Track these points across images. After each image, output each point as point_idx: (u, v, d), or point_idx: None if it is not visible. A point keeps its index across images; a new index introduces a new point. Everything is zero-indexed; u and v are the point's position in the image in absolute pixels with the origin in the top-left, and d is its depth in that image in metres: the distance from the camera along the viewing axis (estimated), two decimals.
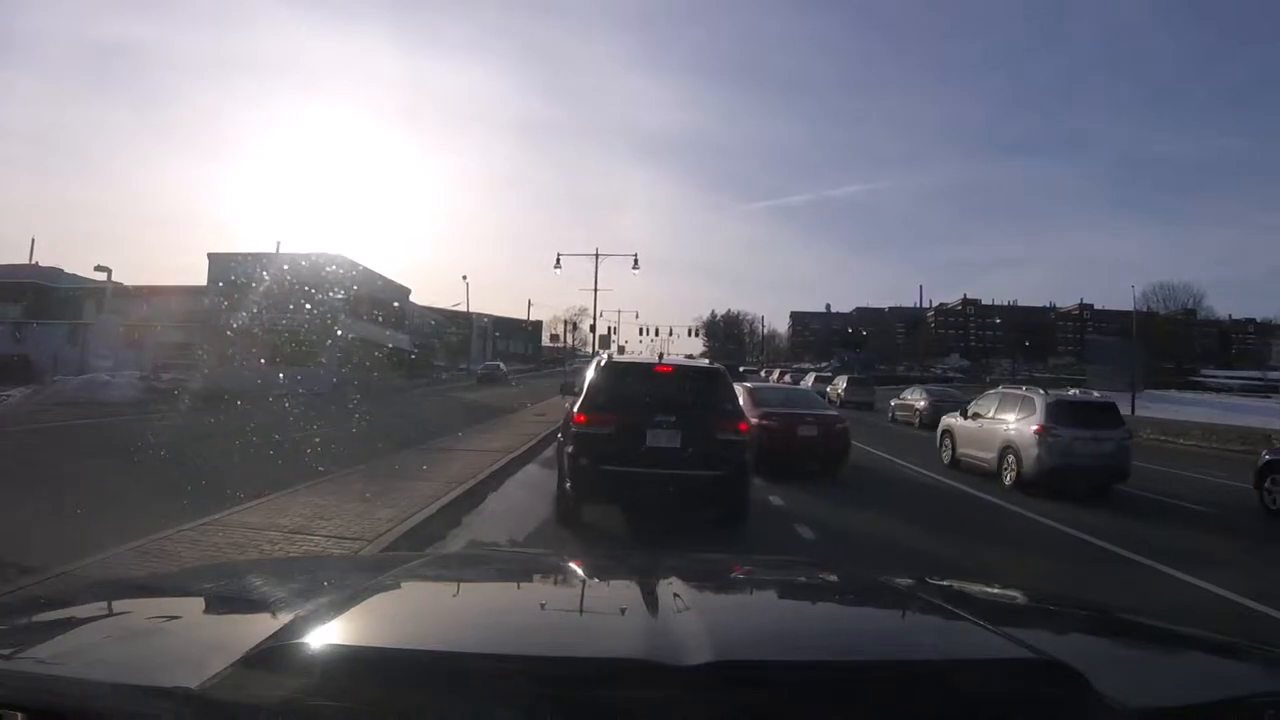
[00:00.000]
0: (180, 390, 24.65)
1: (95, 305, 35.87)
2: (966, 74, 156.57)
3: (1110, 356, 36.68)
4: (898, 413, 24.75)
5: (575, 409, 7.19)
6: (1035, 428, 10.88)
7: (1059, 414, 11.00)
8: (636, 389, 7.22)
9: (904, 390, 27.13)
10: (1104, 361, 35.78)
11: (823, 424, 11.86)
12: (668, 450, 6.72)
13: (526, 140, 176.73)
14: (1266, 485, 10.19)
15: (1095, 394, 14.70)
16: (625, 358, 10.39)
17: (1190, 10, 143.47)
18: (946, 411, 15.35)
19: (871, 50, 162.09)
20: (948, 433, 13.58)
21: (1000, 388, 13.99)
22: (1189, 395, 41.76)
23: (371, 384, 29.07)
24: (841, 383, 34.45)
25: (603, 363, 7.88)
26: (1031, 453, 10.76)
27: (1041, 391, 12.11)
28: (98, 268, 29.98)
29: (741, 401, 8.17)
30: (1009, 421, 11.60)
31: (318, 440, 12.00)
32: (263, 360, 27.97)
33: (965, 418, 13.19)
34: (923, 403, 22.89)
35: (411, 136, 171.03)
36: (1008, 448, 11.31)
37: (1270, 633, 5.11)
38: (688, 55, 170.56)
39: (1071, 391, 15.98)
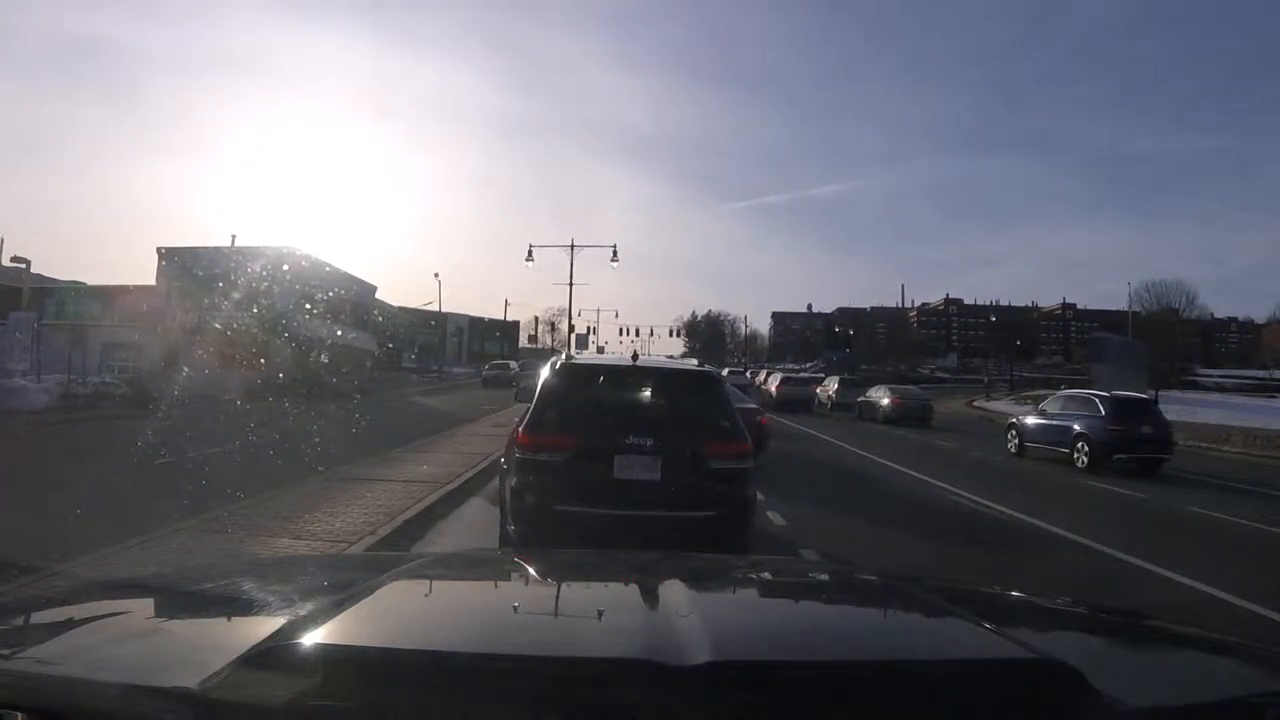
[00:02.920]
0: (104, 396, 22.72)
1: (56, 304, 33.93)
2: (945, 72, 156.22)
3: (1116, 355, 35.23)
4: (863, 410, 28.17)
5: (520, 427, 5.33)
6: (776, 386, 31.97)
7: (785, 381, 33.03)
8: (602, 401, 5.52)
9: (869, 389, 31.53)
10: (1110, 361, 34.25)
11: (745, 418, 10.82)
12: (643, 484, 5.05)
13: (504, 138, 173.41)
14: (1006, 441, 17.01)
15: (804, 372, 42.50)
16: (588, 358, 7.79)
17: (1169, 7, 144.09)
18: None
19: (850, 48, 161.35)
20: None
21: (763, 372, 43.25)
22: (1193, 395, 40.25)
23: (325, 388, 26.74)
24: (833, 384, 33.40)
25: (558, 365, 5.75)
26: (774, 395, 29.93)
27: (780, 372, 41.05)
28: (14, 259, 26.84)
29: None
30: (771, 384, 32.94)
31: (208, 463, 9.57)
32: (205, 361, 25.58)
33: (760, 384, 33.83)
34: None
35: (385, 134, 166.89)
36: (769, 393, 29.97)
37: (1269, 632, 5.09)
38: (665, 52, 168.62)
39: (795, 373, 37.27)
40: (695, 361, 6.94)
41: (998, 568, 6.70)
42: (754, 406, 13.01)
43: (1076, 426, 14.83)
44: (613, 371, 5.93)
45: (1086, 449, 14.39)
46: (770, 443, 12.52)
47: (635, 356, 6.20)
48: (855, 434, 20.53)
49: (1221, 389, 49.38)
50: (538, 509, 5.02)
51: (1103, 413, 14.68)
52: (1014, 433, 16.83)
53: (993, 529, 8.61)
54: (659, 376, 6.01)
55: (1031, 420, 16.62)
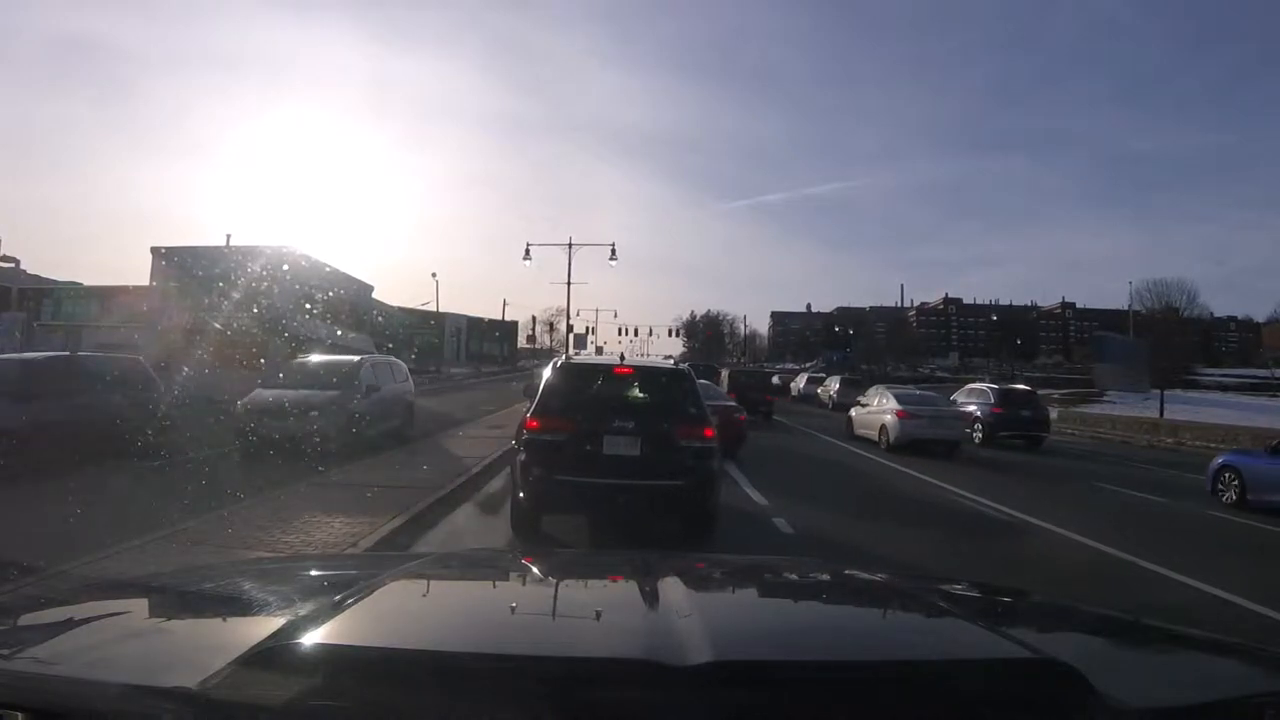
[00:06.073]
0: None
1: (52, 304, 34.31)
2: (945, 71, 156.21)
3: (1119, 355, 35.11)
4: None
5: (528, 414, 6.54)
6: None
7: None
8: (594, 393, 6.73)
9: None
10: (1113, 360, 34.09)
11: (723, 415, 11.32)
12: (627, 459, 6.17)
13: (501, 138, 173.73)
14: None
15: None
16: (582, 359, 10.23)
17: (1169, 6, 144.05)
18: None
19: (849, 46, 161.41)
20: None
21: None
22: (1195, 395, 40.04)
23: None
24: (834, 384, 33.29)
25: (559, 364, 7.14)
26: None
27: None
28: (3, 258, 26.69)
29: None
30: None
31: (207, 464, 9.39)
32: (201, 361, 25.36)
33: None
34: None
35: (382, 133, 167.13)
36: None
37: (1271, 633, 5.21)
38: (663, 50, 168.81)
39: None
40: (671, 361, 8.77)
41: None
42: (734, 404, 14.31)
43: (974, 410, 19.01)
44: (603, 369, 7.26)
45: (980, 428, 18.58)
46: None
47: (622, 358, 7.49)
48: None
49: (1223, 388, 49.21)
50: (542, 478, 6.10)
51: (992, 400, 18.95)
52: None
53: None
54: (640, 373, 7.23)
55: None
